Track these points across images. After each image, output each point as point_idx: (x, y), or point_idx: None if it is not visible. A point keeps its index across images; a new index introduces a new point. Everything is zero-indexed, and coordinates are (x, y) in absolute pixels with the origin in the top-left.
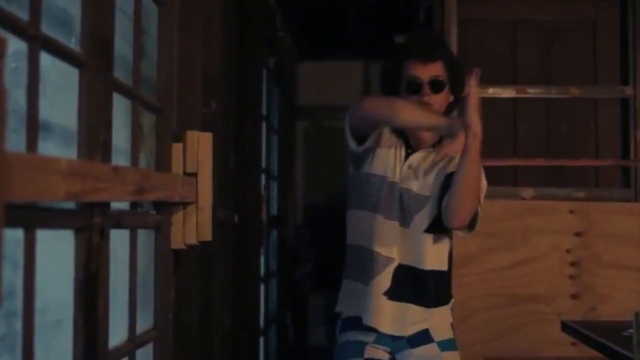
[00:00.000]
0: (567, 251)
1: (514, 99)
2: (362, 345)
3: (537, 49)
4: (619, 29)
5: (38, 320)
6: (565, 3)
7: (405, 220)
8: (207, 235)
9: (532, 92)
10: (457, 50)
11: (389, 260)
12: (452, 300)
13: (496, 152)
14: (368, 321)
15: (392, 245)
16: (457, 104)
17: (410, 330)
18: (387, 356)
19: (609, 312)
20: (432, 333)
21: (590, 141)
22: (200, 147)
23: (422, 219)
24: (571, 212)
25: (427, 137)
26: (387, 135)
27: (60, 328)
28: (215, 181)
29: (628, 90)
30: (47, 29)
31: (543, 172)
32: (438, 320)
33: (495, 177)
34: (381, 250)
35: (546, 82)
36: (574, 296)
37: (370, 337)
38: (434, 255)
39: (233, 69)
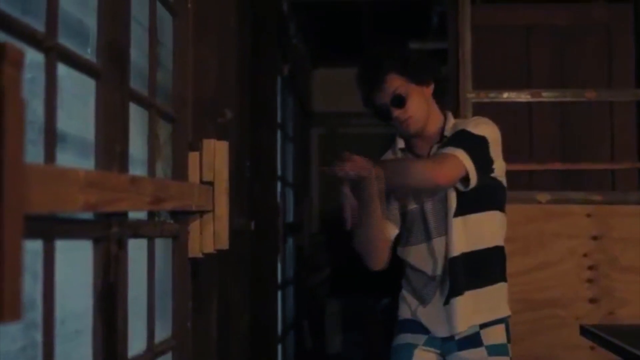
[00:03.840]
0: (585, 255)
1: (529, 103)
2: (411, 347)
3: (551, 53)
4: (634, 32)
5: (58, 330)
6: (579, 7)
7: (441, 228)
8: (224, 244)
9: (547, 95)
10: (471, 55)
11: (438, 274)
12: (501, 284)
13: (512, 156)
14: (429, 328)
15: (439, 259)
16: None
17: (466, 324)
18: (436, 358)
19: (627, 315)
20: (482, 336)
21: (606, 144)
22: (216, 155)
23: (450, 209)
24: (588, 215)
25: (427, 139)
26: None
27: (80, 338)
28: (232, 189)
29: None
30: (62, 39)
31: (559, 176)
32: (491, 311)
33: (510, 181)
34: (432, 271)
35: (561, 86)
36: (592, 300)
37: (420, 340)
38: (460, 237)
39: (247, 77)
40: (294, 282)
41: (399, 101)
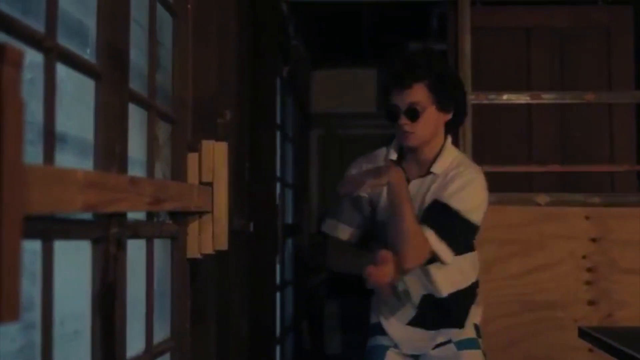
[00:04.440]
0: (583, 257)
1: (528, 105)
2: (384, 348)
3: (551, 55)
4: (633, 34)
5: (56, 331)
6: (579, 9)
7: None
8: (223, 245)
9: (547, 97)
10: (470, 56)
11: (407, 292)
12: (474, 304)
13: (511, 158)
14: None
15: (412, 283)
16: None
17: (429, 349)
18: (407, 359)
19: (626, 318)
20: (451, 334)
21: (605, 146)
22: (215, 156)
23: None
24: (587, 217)
25: (420, 161)
26: None
27: (79, 339)
28: (231, 190)
29: None
30: (62, 40)
31: (558, 178)
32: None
33: (510, 183)
34: (399, 284)
35: (560, 88)
36: (591, 302)
37: (392, 342)
38: (446, 280)
39: (247, 78)
40: (293, 283)
41: (413, 115)
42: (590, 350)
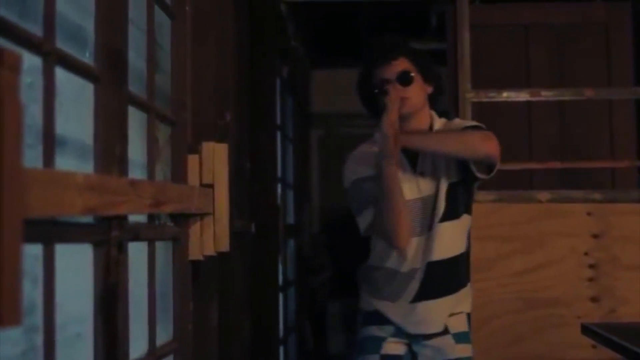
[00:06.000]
0: (585, 254)
1: (528, 103)
2: (379, 340)
3: (549, 52)
4: (632, 31)
5: (58, 334)
6: (577, 6)
7: (424, 226)
8: (225, 246)
9: (546, 94)
10: (470, 54)
11: (413, 271)
12: (469, 284)
13: (511, 155)
14: (398, 324)
15: (416, 257)
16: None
17: (437, 327)
18: (404, 349)
19: (628, 314)
20: (449, 325)
21: (606, 143)
22: (215, 158)
23: (439, 209)
24: (588, 214)
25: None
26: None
27: (81, 342)
28: (232, 191)
29: None
30: (60, 43)
31: (558, 175)
32: (457, 308)
33: (510, 180)
34: (405, 267)
35: (560, 85)
36: (593, 299)
37: (388, 332)
38: (447, 243)
39: (246, 79)
40: (296, 283)
41: (406, 78)
42: (593, 346)
